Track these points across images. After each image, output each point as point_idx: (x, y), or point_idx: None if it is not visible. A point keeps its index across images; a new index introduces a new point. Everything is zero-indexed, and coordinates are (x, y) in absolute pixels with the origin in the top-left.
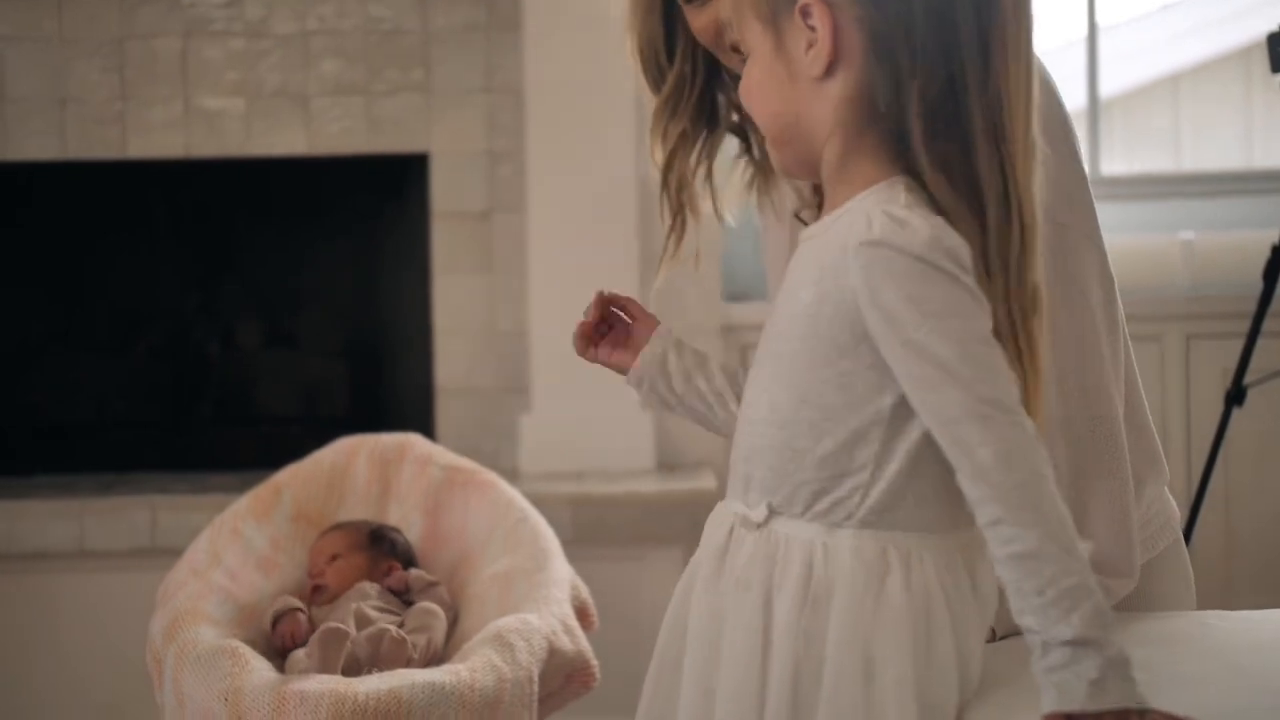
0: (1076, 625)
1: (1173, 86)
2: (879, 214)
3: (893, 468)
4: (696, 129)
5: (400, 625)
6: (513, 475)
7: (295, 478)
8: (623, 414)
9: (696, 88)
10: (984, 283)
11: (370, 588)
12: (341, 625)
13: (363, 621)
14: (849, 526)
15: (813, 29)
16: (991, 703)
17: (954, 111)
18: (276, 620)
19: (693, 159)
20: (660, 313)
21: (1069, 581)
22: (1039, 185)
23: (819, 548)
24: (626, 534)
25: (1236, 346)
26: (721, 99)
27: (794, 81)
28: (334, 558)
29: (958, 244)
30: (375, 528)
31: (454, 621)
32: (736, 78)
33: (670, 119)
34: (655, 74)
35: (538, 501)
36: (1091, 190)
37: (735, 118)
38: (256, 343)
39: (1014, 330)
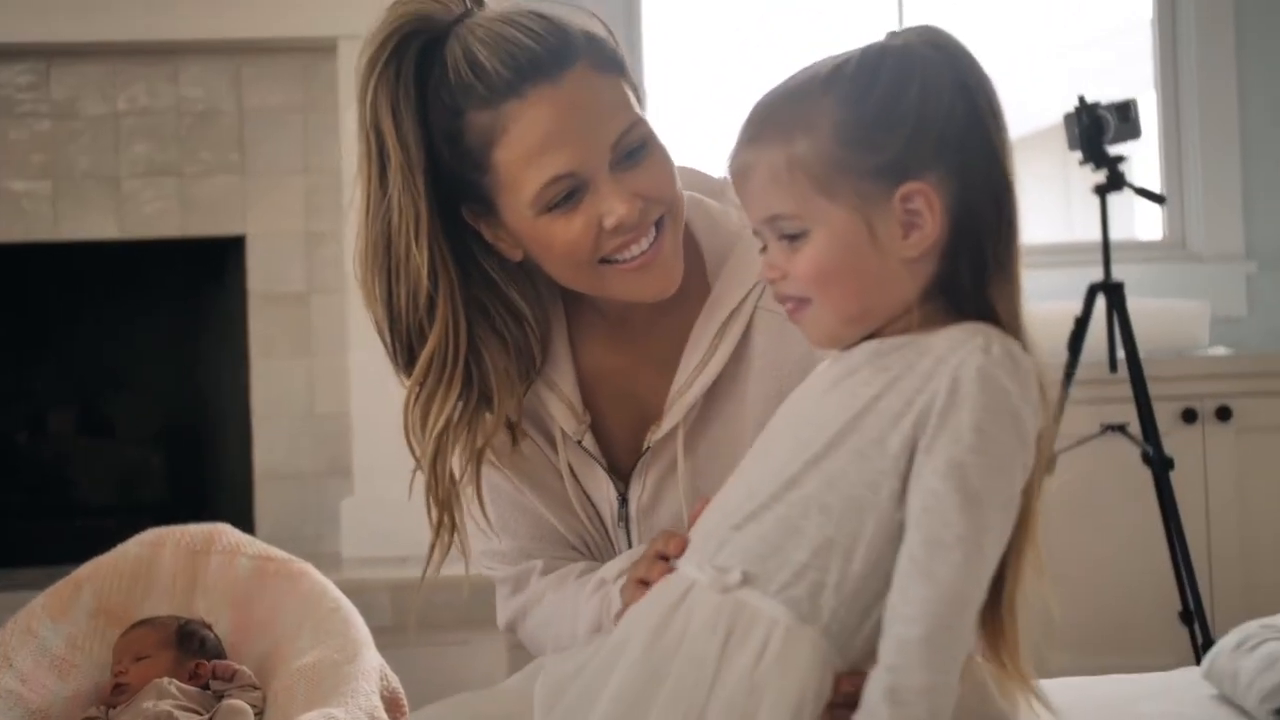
0: None
1: None
2: (997, 343)
3: (867, 587)
4: (466, 408)
5: None
6: (335, 560)
7: (97, 572)
8: None
9: (461, 350)
10: None
11: (169, 685)
12: None
13: None
14: (814, 625)
15: (911, 212)
16: None
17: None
18: None
19: (459, 449)
20: None
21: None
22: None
23: (780, 630)
24: (449, 619)
25: None
26: (477, 372)
27: (884, 262)
28: (140, 657)
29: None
30: (183, 623)
31: (260, 715)
32: (499, 336)
33: (436, 393)
34: (409, 336)
35: (357, 587)
36: None
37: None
38: (69, 429)
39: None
